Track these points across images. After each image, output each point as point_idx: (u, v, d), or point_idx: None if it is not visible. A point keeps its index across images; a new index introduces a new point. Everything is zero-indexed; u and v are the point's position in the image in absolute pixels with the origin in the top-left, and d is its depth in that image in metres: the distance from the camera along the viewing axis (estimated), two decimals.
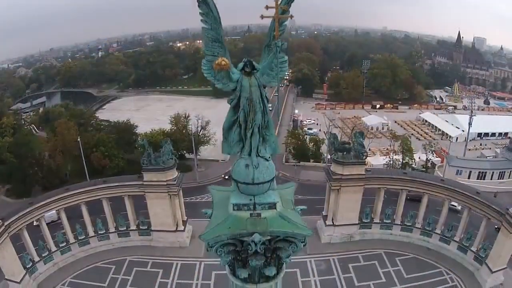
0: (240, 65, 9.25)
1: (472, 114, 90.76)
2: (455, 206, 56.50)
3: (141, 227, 52.77)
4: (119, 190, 50.58)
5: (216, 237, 9.39)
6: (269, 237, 9.42)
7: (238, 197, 9.80)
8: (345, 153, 48.97)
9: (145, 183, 49.09)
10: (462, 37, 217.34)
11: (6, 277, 42.72)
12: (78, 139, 71.62)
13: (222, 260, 10.24)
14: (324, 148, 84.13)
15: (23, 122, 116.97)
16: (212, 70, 9.29)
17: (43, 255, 47.56)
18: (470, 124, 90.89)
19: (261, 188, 9.62)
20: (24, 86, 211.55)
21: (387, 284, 44.24)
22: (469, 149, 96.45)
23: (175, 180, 49.23)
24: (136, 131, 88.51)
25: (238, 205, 9.75)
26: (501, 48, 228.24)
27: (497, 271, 43.03)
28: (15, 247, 43.77)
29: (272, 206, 9.80)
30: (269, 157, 9.80)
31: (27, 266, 44.90)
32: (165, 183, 48.57)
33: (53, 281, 46.19)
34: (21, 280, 42.71)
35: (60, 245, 49.54)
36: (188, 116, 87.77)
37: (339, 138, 55.25)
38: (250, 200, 9.65)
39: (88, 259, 50.27)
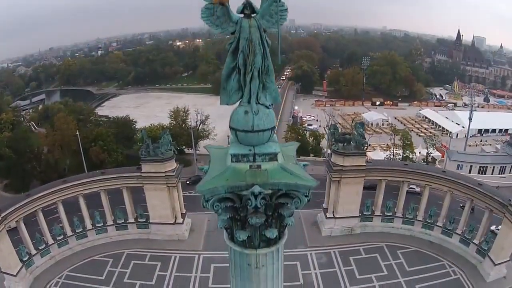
0: (240, 7, 8.70)
1: (472, 109, 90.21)
2: (414, 188, 58.20)
3: (139, 220, 52.10)
4: (117, 182, 49.96)
5: (213, 189, 8.73)
6: (270, 191, 8.77)
7: (237, 147, 9.19)
8: (345, 144, 48.40)
9: (143, 174, 48.45)
10: (462, 35, 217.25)
11: (2, 270, 42.25)
12: (77, 133, 71.00)
13: (220, 220, 9.66)
14: (324, 143, 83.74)
15: (22, 119, 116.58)
16: (211, 17, 8.75)
17: (40, 248, 46.87)
18: (470, 119, 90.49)
19: (261, 136, 9.01)
20: (23, 85, 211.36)
21: (389, 277, 43.64)
22: (470, 145, 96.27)
23: (173, 172, 48.62)
24: (135, 127, 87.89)
25: (236, 156, 9.12)
26: (501, 46, 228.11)
27: (500, 263, 42.38)
28: (12, 240, 43.16)
29: (273, 157, 9.16)
30: (270, 105, 9.18)
31: (24, 259, 44.22)
32: (163, 174, 47.94)
33: (50, 275, 45.58)
34: (17, 273, 42.09)
35: (57, 238, 48.84)
36: (187, 111, 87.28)
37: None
38: (250, 150, 9.03)
39: (86, 252, 49.60)
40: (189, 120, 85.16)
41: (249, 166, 8.95)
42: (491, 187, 47.53)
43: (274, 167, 9.00)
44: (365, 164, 48.80)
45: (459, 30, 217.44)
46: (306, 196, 9.04)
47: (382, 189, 51.29)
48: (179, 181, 51.38)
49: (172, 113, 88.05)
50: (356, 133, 48.87)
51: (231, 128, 9.18)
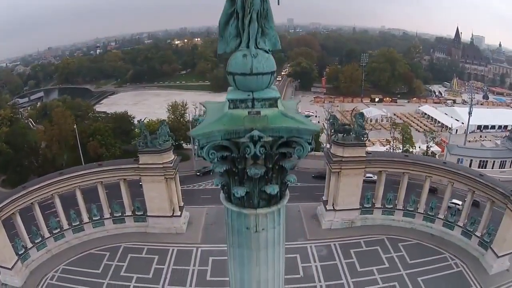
0: None
1: (472, 103, 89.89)
2: (371, 177, 59.20)
3: (136, 213, 51.53)
4: (114, 174, 49.39)
5: (209, 134, 8.02)
6: (270, 139, 8.07)
7: (235, 93, 8.53)
8: (345, 134, 47.87)
9: (140, 166, 47.84)
10: (461, 33, 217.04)
11: None
12: (75, 127, 70.39)
13: (216, 177, 8.98)
14: (323, 137, 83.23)
15: (20, 116, 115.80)
16: None
17: (36, 241, 46.27)
18: (470, 113, 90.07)
19: (260, 80, 8.32)
20: (22, 83, 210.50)
21: (391, 270, 43.15)
22: (469, 141, 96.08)
23: (171, 163, 48.03)
24: (133, 122, 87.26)
25: (234, 102, 8.43)
26: (500, 45, 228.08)
27: (503, 256, 41.82)
28: (8, 234, 42.62)
29: (273, 103, 8.50)
30: (269, 50, 8.53)
31: (19, 253, 43.60)
32: (161, 166, 47.33)
33: (46, 268, 44.97)
34: (12, 267, 41.45)
35: (54, 232, 48.23)
36: (186, 105, 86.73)
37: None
38: (248, 95, 8.37)
39: (82, 246, 49.00)
40: (187, 114, 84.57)
41: (248, 113, 8.24)
42: (492, 178, 46.99)
43: (275, 113, 8.32)
44: (365, 155, 48.31)
45: (457, 27, 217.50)
46: (309, 144, 8.30)
47: (383, 181, 50.77)
48: (177, 172, 50.74)
49: (170, 107, 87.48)
50: (356, 123, 48.34)
51: (228, 73, 8.49)
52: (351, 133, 47.83)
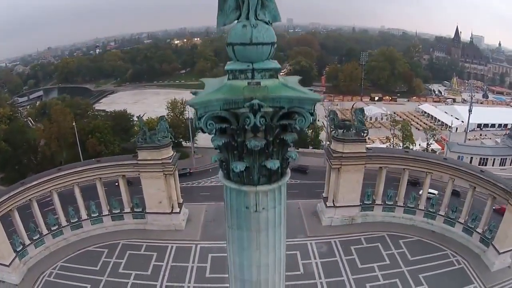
0: None
1: (472, 101, 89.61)
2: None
3: (135, 210, 51.25)
4: (113, 170, 49.13)
5: (207, 103, 7.68)
6: (270, 109, 7.75)
7: (234, 63, 8.19)
8: (345, 130, 47.61)
9: (139, 162, 47.59)
10: (460, 32, 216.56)
11: None
12: (74, 124, 70.08)
13: (216, 153, 8.61)
14: (323, 135, 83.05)
15: (19, 115, 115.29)
16: None
17: (34, 238, 46.03)
18: (470, 111, 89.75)
19: (260, 51, 7.99)
20: (21, 83, 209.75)
21: (392, 266, 42.95)
22: (469, 139, 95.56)
23: (170, 159, 47.75)
24: (133, 120, 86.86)
25: (233, 72, 8.09)
26: (499, 44, 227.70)
27: (504, 252, 41.61)
28: (5, 232, 42.31)
29: (274, 74, 8.16)
30: (269, 22, 8.17)
31: (17, 250, 43.43)
32: (160, 162, 47.09)
33: (44, 265, 44.75)
34: (10, 264, 41.24)
35: (52, 229, 47.94)
36: (185, 102, 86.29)
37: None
38: (248, 66, 8.03)
39: (80, 243, 48.77)
40: (186, 111, 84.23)
41: (247, 83, 7.91)
42: (493, 173, 46.69)
43: (275, 84, 8.00)
44: (365, 151, 48.02)
45: (457, 27, 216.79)
46: (311, 114, 7.95)
47: (383, 177, 50.48)
48: (176, 169, 50.39)
49: (169, 104, 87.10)
50: (356, 119, 48.02)
51: (228, 44, 8.13)
52: (351, 129, 47.56)
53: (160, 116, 51.17)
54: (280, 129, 8.20)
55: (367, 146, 51.64)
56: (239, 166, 8.29)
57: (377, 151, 52.20)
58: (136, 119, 49.63)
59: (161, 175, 47.86)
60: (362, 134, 47.59)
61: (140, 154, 47.55)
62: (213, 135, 8.27)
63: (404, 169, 49.62)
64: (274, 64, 8.21)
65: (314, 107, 7.97)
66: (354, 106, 64.32)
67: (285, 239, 10.02)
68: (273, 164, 8.33)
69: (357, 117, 47.93)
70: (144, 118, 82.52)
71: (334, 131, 48.96)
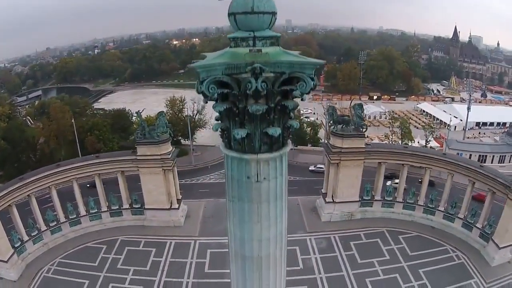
0: None
1: (471, 99, 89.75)
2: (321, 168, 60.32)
3: (134, 206, 51.12)
4: (112, 166, 48.95)
5: (210, 66, 7.62)
6: (271, 75, 7.66)
7: (236, 32, 8.18)
8: (344, 125, 47.59)
9: (138, 157, 47.48)
10: (459, 32, 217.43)
11: None
12: (73, 121, 70.00)
13: (216, 110, 8.46)
14: (321, 133, 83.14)
15: (18, 114, 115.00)
16: None
17: (32, 234, 45.77)
18: (468, 108, 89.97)
19: (261, 20, 7.94)
20: (20, 83, 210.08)
21: (391, 262, 42.85)
22: (468, 137, 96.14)
23: (169, 154, 47.69)
24: (131, 117, 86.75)
25: (235, 40, 8.08)
26: (498, 44, 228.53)
27: (504, 247, 41.48)
28: (4, 228, 41.95)
29: (275, 42, 8.17)
30: None
31: (15, 246, 43.14)
32: (159, 157, 46.97)
33: (42, 262, 44.48)
34: (8, 259, 40.92)
35: (50, 225, 47.74)
36: (184, 100, 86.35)
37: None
38: (249, 34, 7.99)
39: (79, 239, 48.55)
40: (185, 109, 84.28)
41: (249, 50, 7.88)
42: (492, 168, 46.70)
43: (276, 50, 8.02)
44: (364, 146, 48.00)
45: (455, 26, 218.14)
46: (312, 79, 7.81)
47: (382, 173, 50.41)
48: (175, 164, 50.27)
49: (168, 102, 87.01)
50: (354, 115, 47.98)
51: (229, 14, 8.05)
52: (350, 124, 47.52)
53: (159, 112, 51.05)
54: (281, 96, 8.13)
55: (366, 142, 51.68)
56: (240, 133, 8.22)
57: (376, 146, 52.13)
58: (135, 114, 49.44)
59: (160, 171, 47.77)
60: (361, 129, 47.56)
61: (139, 149, 47.46)
62: (214, 102, 8.21)
63: (403, 164, 49.53)
64: (275, 33, 8.23)
65: (315, 72, 7.89)
66: (352, 100, 64.64)
67: (286, 213, 9.91)
68: (275, 131, 8.24)
69: (356, 112, 47.87)
70: (143, 115, 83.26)
71: (333, 127, 48.94)
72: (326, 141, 56.77)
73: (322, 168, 63.66)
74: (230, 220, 9.82)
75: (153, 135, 46.93)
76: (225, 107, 8.17)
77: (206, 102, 8.37)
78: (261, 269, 10.00)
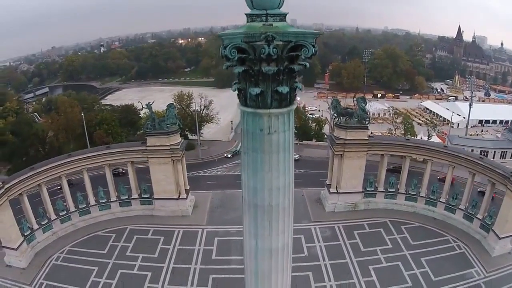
0: None
1: (473, 95, 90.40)
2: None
3: (143, 196, 52.37)
4: (122, 156, 50.29)
5: (232, 35, 9.44)
6: (281, 43, 9.39)
7: (252, 11, 9.97)
8: (347, 118, 48.75)
9: (148, 148, 48.79)
10: (463, 31, 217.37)
11: (2, 244, 42.36)
12: (82, 115, 71.29)
13: (235, 71, 10.08)
14: (326, 128, 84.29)
15: (25, 111, 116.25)
16: None
17: (42, 223, 46.92)
18: (470, 105, 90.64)
19: (272, 1, 9.75)
20: (26, 81, 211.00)
21: (394, 250, 44.00)
22: (470, 134, 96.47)
23: (178, 145, 48.99)
24: (139, 113, 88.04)
25: (251, 16, 9.89)
26: (502, 44, 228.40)
27: (504, 237, 42.32)
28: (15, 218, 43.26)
29: (283, 18, 9.94)
30: None
31: (25, 234, 44.18)
32: (168, 148, 48.31)
33: (51, 250, 45.57)
34: (18, 247, 41.96)
35: (60, 214, 48.87)
36: (191, 95, 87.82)
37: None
38: (263, 12, 9.79)
39: (88, 228, 49.80)
40: (193, 103, 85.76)
41: (262, 24, 9.66)
42: (492, 160, 47.57)
43: (284, 25, 9.80)
44: (367, 138, 49.04)
45: (459, 26, 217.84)
46: (313, 46, 9.52)
47: (385, 165, 51.43)
48: (183, 155, 51.51)
49: (176, 97, 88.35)
50: (358, 107, 49.11)
51: None
52: (353, 117, 48.65)
53: (169, 104, 52.44)
54: (288, 61, 9.79)
55: (369, 134, 52.73)
56: (255, 90, 9.84)
57: (379, 138, 53.23)
58: (145, 106, 50.74)
59: (169, 161, 49.11)
60: (364, 121, 48.67)
61: (149, 140, 48.78)
62: (234, 66, 9.92)
63: (405, 156, 50.54)
64: (283, 11, 10.04)
65: (315, 40, 9.57)
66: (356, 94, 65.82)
67: (293, 165, 11.33)
68: (284, 89, 9.94)
69: (359, 104, 49.04)
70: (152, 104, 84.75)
71: (336, 118, 50.07)
72: (330, 133, 57.93)
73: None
74: (245, 171, 11.17)
75: (162, 126, 48.26)
76: (243, 69, 9.85)
77: (227, 68, 10.22)
78: (271, 218, 11.31)
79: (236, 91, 10.61)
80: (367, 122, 49.09)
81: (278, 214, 11.31)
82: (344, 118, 49.00)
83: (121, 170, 61.71)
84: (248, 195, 11.33)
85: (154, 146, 48.53)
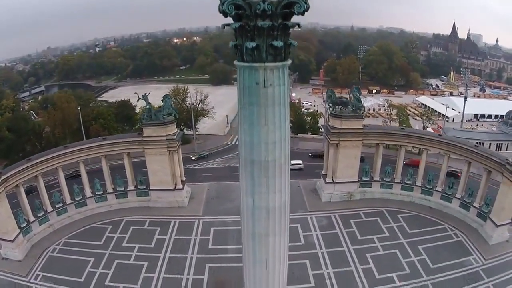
0: None
1: (467, 90, 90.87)
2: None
3: (139, 187, 52.33)
4: (118, 147, 50.22)
5: None
6: (275, 0, 9.85)
7: None
8: (342, 107, 48.93)
9: (144, 138, 48.84)
10: (457, 28, 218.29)
11: None
12: (78, 109, 71.17)
13: (232, 26, 10.42)
14: (321, 122, 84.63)
15: (21, 109, 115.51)
16: None
17: (38, 215, 46.69)
18: (465, 98, 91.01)
19: None
20: (22, 80, 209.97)
21: (391, 238, 44.15)
22: (466, 128, 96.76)
23: (174, 135, 49.04)
24: (135, 108, 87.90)
25: None
26: (497, 41, 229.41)
27: (502, 225, 42.40)
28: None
29: None
30: None
31: (22, 226, 43.95)
32: (164, 138, 48.36)
33: (47, 242, 45.39)
34: (14, 239, 41.69)
35: (56, 206, 48.67)
36: (187, 89, 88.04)
37: None
38: None
39: (84, 220, 49.66)
40: (188, 97, 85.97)
41: None
42: (487, 148, 47.76)
43: None
44: (362, 127, 49.22)
45: (454, 23, 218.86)
46: (305, 3, 9.96)
47: (380, 154, 51.57)
48: (180, 145, 51.46)
49: (172, 91, 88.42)
50: (353, 97, 49.31)
51: None
52: (348, 106, 48.83)
53: (165, 95, 52.48)
54: (282, 18, 10.28)
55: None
56: (251, 44, 10.32)
57: (374, 127, 53.42)
58: (142, 97, 50.69)
59: (165, 151, 49.13)
60: (359, 111, 48.86)
61: (145, 131, 48.80)
62: (232, 22, 10.41)
63: (400, 145, 50.73)
64: None
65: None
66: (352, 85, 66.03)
67: (288, 122, 11.43)
68: (278, 43, 10.44)
69: (354, 94, 49.28)
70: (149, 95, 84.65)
71: (331, 108, 50.24)
72: (325, 123, 58.11)
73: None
74: (241, 127, 11.32)
75: (158, 116, 48.27)
76: (239, 24, 10.29)
77: (224, 27, 10.83)
78: (268, 174, 11.42)
79: (233, 48, 10.94)
80: (362, 112, 49.27)
81: (275, 170, 11.42)
82: (339, 107, 49.21)
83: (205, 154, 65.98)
84: (245, 151, 11.44)
85: (150, 136, 48.53)
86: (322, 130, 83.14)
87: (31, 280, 38.80)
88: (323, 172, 53.76)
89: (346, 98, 50.76)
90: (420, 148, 52.48)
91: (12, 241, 41.56)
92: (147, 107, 49.26)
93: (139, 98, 50.96)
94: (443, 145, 48.36)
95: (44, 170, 47.04)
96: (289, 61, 11.08)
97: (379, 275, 37.96)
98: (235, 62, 11.05)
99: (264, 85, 10.57)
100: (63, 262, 41.57)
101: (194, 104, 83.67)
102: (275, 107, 10.82)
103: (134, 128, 79.14)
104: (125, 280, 38.07)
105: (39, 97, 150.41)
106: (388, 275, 37.92)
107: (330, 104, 50.54)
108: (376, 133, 50.91)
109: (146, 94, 51.06)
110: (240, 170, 12.03)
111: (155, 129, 48.33)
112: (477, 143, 72.38)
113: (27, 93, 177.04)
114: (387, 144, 52.58)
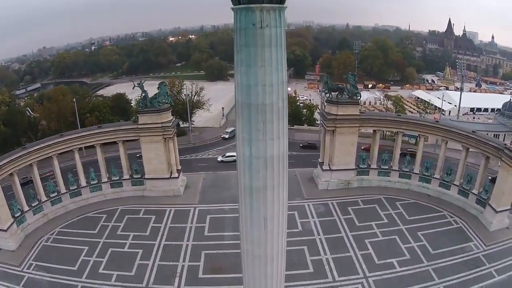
0: None
1: (463, 80, 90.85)
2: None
3: (134, 176, 51.80)
4: (114, 135, 49.68)
5: None
6: None
7: None
8: (338, 93, 48.61)
9: (140, 126, 48.40)
10: (453, 24, 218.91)
11: None
12: (74, 101, 70.60)
13: None
14: (317, 115, 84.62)
15: (17, 106, 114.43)
16: None
17: (32, 205, 46.00)
18: (461, 89, 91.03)
19: None
20: (18, 79, 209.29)
21: (389, 225, 43.87)
22: (462, 120, 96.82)
23: (170, 122, 48.61)
24: (131, 103, 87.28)
25: None
26: (492, 37, 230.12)
27: (501, 211, 42.11)
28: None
29: None
30: None
31: (15, 215, 43.34)
32: (160, 125, 47.94)
33: (41, 232, 44.71)
34: (7, 228, 41.04)
35: (51, 196, 48.02)
36: (183, 82, 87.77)
37: None
38: None
39: (79, 210, 49.06)
40: (183, 90, 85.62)
41: None
42: (484, 134, 47.52)
43: None
44: (358, 113, 48.89)
45: (449, 19, 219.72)
46: None
47: (377, 141, 51.25)
48: (175, 133, 50.93)
49: (167, 83, 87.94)
50: (349, 83, 49.03)
51: None
52: (344, 92, 48.56)
53: (160, 82, 51.96)
54: None
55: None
56: None
57: (371, 114, 53.12)
58: (137, 85, 50.15)
59: (160, 139, 48.70)
60: (355, 97, 48.57)
61: (141, 118, 48.37)
62: None
63: (397, 132, 50.41)
64: None
65: None
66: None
67: (285, 65, 11.08)
68: None
69: (350, 81, 49.00)
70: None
71: (328, 94, 49.89)
72: (322, 111, 57.77)
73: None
74: (238, 71, 10.99)
75: (154, 103, 47.88)
76: None
77: None
78: (266, 119, 11.04)
79: None
80: (358, 98, 48.95)
81: (272, 114, 11.05)
82: (335, 93, 48.91)
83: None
84: (242, 95, 11.09)
85: (146, 124, 48.09)
86: (318, 121, 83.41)
87: (24, 270, 38.06)
88: (319, 160, 53.40)
89: (342, 85, 50.43)
90: (416, 138, 51.98)
91: (5, 231, 40.88)
92: (143, 94, 48.64)
93: (134, 86, 50.27)
94: (440, 131, 48.12)
95: (40, 159, 46.38)
96: (286, 6, 10.92)
97: (378, 261, 37.65)
98: (231, 7, 10.86)
99: (260, 26, 10.40)
100: (57, 251, 40.96)
101: (190, 96, 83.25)
102: (271, 48, 10.62)
103: (130, 120, 78.39)
104: (119, 268, 37.52)
105: (35, 94, 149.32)
106: (388, 260, 37.62)
107: (326, 90, 50.17)
108: (373, 120, 50.63)
109: (142, 82, 50.50)
110: (237, 117, 11.68)
111: (151, 116, 47.89)
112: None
113: (23, 90, 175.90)
114: (384, 131, 52.08)
